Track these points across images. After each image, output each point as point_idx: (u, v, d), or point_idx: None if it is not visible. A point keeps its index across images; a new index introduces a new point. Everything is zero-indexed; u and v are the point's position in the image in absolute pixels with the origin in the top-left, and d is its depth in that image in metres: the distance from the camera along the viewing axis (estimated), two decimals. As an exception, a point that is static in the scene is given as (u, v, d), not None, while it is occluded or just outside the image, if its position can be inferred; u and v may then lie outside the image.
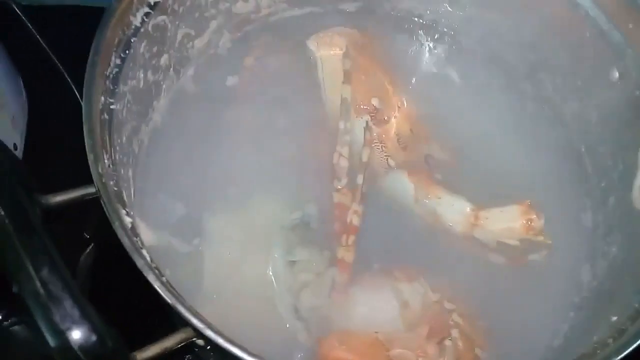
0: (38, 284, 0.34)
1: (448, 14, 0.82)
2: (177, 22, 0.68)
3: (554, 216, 0.69)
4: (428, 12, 0.83)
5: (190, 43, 0.73)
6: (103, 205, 0.45)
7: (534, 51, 0.77)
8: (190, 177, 0.68)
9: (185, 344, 0.46)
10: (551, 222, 0.68)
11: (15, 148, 0.87)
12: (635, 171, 0.64)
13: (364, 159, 0.72)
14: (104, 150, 0.49)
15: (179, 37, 0.69)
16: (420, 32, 0.84)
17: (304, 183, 0.70)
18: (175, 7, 0.66)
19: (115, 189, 0.49)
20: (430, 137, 0.75)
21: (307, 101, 0.76)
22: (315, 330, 0.62)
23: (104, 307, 0.68)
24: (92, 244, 0.79)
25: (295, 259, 0.64)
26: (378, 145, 0.74)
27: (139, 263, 0.43)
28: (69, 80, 0.86)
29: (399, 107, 0.76)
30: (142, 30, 0.60)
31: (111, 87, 0.55)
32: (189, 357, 0.67)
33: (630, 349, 0.47)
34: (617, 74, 0.67)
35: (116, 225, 0.44)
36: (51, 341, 0.34)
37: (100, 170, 0.46)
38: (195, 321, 0.41)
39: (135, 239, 0.46)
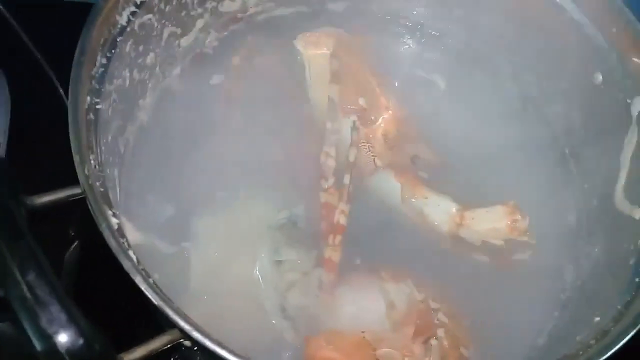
0: (24, 288, 0.34)
1: (435, 15, 0.83)
2: (163, 21, 0.67)
3: (539, 217, 0.70)
4: (415, 13, 0.84)
5: (177, 42, 0.72)
6: (90, 207, 0.45)
7: (519, 53, 0.78)
8: (176, 177, 0.68)
9: (172, 346, 0.46)
10: (536, 222, 0.69)
11: (-2, 145, 0.85)
12: (618, 173, 0.65)
13: (351, 158, 0.72)
14: (89, 151, 0.49)
15: (165, 35, 0.69)
16: (407, 33, 0.84)
17: (291, 183, 0.70)
18: (162, 5, 0.66)
19: (102, 189, 0.49)
20: (417, 138, 0.76)
21: (295, 101, 0.76)
22: (303, 330, 0.62)
23: (90, 307, 0.68)
24: (77, 242, 0.78)
25: (282, 258, 0.64)
26: (365, 145, 0.74)
27: (126, 265, 0.43)
28: (53, 78, 0.85)
29: (386, 107, 0.76)
30: (128, 29, 0.60)
31: (97, 87, 0.54)
32: (175, 357, 0.67)
33: (613, 350, 0.47)
34: (600, 78, 0.68)
35: (103, 227, 0.44)
36: (38, 345, 0.34)
37: (86, 172, 0.46)
38: (182, 323, 0.41)
39: (122, 240, 0.46)
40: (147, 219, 0.64)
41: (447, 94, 0.80)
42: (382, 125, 0.75)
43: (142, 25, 0.63)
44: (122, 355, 0.41)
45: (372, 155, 0.74)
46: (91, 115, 0.53)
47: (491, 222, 0.68)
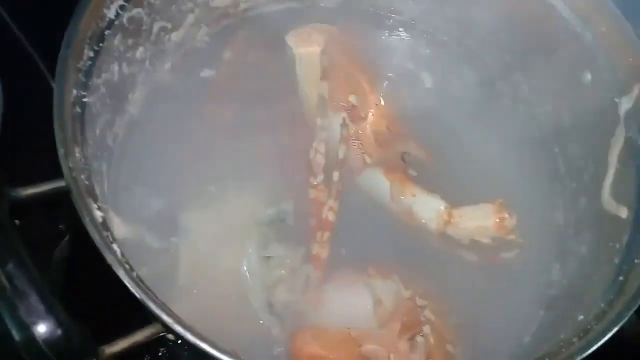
0: (3, 278, 0.34)
1: (427, 12, 0.83)
2: (152, 15, 0.67)
3: (527, 215, 0.70)
4: (407, 10, 0.84)
5: (167, 36, 0.72)
6: (73, 200, 0.45)
7: (510, 52, 0.78)
8: (165, 171, 0.68)
9: (158, 339, 0.46)
10: (524, 221, 0.69)
11: (-10, 138, 0.85)
12: (605, 172, 0.65)
13: (340, 155, 0.72)
14: (75, 144, 0.49)
15: (155, 30, 0.69)
16: (399, 29, 0.85)
17: (280, 179, 0.70)
18: (151, 0, 0.65)
19: (87, 182, 0.49)
20: (407, 135, 0.76)
21: (285, 97, 0.76)
22: (289, 326, 0.62)
23: (78, 299, 0.68)
24: (67, 236, 0.78)
25: (269, 254, 0.64)
26: (355, 142, 0.74)
27: (109, 258, 0.43)
28: (44, 71, 0.85)
29: (376, 104, 0.76)
30: (116, 23, 0.60)
31: (84, 80, 0.54)
32: (163, 351, 0.67)
33: (594, 347, 0.47)
34: (589, 77, 0.68)
35: (86, 221, 0.44)
36: (16, 335, 0.34)
37: (70, 164, 0.46)
38: (163, 316, 0.41)
39: (105, 233, 0.46)
40: (136, 213, 0.64)
41: (438, 92, 0.80)
42: (372, 122, 0.75)
43: (131, 19, 0.63)
44: (103, 347, 0.41)
45: (362, 153, 0.74)
46: (78, 108, 0.52)
47: (478, 220, 0.68)
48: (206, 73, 0.76)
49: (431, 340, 0.62)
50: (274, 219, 0.67)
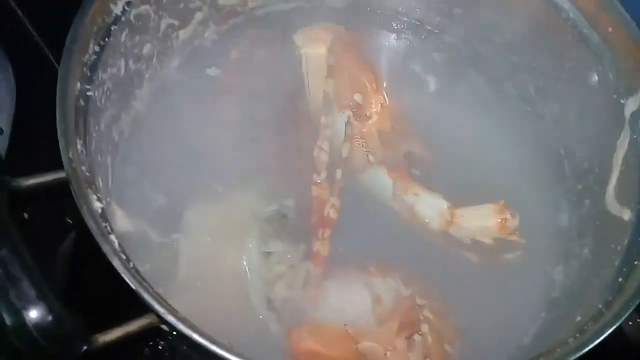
0: (-4, 263, 0.35)
1: (434, 13, 0.83)
2: (160, 12, 0.68)
3: (531, 216, 0.70)
4: (416, 11, 0.84)
5: (175, 33, 0.73)
6: (72, 190, 0.46)
7: (516, 52, 0.78)
8: (170, 167, 0.69)
9: (157, 331, 0.46)
10: (528, 222, 0.69)
11: (1, 132, 0.87)
12: (610, 174, 0.64)
13: (344, 154, 0.72)
14: (77, 136, 0.50)
15: (162, 27, 0.70)
16: (407, 30, 0.85)
17: (283, 175, 0.71)
18: (159, -3, 0.66)
19: (88, 174, 0.49)
20: (412, 135, 0.76)
21: (291, 95, 0.76)
22: (288, 322, 0.62)
23: (81, 290, 0.69)
24: (74, 229, 0.79)
25: (270, 250, 0.65)
26: (359, 141, 0.74)
27: (104, 248, 0.43)
28: (53, 61, 0.86)
29: (381, 103, 0.77)
30: (123, 18, 0.60)
31: (88, 74, 0.55)
32: (162, 343, 0.67)
33: (589, 347, 0.47)
34: (596, 78, 0.68)
35: (84, 210, 0.45)
36: (7, 319, 0.35)
37: (70, 155, 0.47)
38: (156, 306, 0.42)
39: (104, 224, 0.47)
40: (140, 207, 0.65)
41: (444, 92, 0.80)
42: (376, 121, 0.75)
43: (138, 16, 0.64)
44: (97, 335, 0.41)
45: (366, 151, 0.74)
46: (81, 102, 0.53)
47: (481, 220, 0.68)
48: (213, 71, 0.77)
49: (429, 339, 0.62)
50: (275, 215, 0.67)
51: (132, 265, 0.45)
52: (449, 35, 0.83)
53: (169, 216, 0.66)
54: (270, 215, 0.67)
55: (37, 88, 0.92)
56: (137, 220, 0.64)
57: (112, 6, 0.59)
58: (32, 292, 0.35)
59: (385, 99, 0.77)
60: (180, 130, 0.71)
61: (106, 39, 0.58)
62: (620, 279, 0.54)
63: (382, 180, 0.71)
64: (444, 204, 0.69)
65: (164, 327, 0.45)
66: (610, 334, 0.49)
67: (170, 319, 0.41)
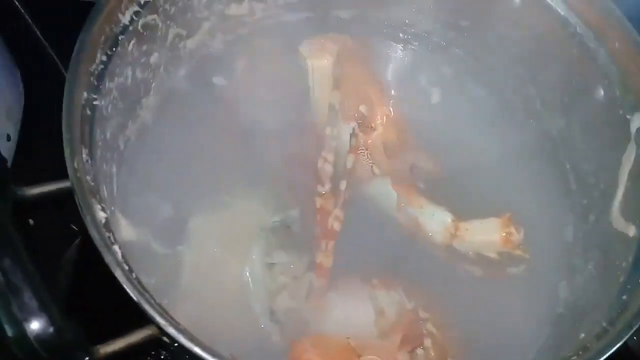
0: (-1, 273, 0.35)
1: (441, 25, 0.83)
2: (168, 22, 0.68)
3: (536, 231, 0.70)
4: (421, 23, 0.84)
5: (182, 43, 0.73)
6: (76, 199, 0.46)
7: (523, 66, 0.77)
8: (176, 177, 0.69)
9: (160, 342, 0.46)
10: (532, 236, 0.69)
11: (9, 139, 0.87)
12: (615, 190, 0.64)
13: (349, 165, 0.72)
14: (82, 145, 0.50)
15: (170, 36, 0.70)
16: (413, 41, 0.85)
17: (288, 186, 0.71)
18: (167, 7, 0.67)
19: (92, 183, 0.49)
20: (417, 147, 0.76)
21: (296, 106, 0.77)
22: (290, 333, 0.62)
23: (84, 300, 0.69)
24: (80, 236, 0.80)
25: (273, 261, 0.65)
26: (364, 153, 0.74)
27: (107, 258, 0.43)
28: (64, 73, 0.87)
29: (386, 115, 0.77)
30: (130, 28, 0.61)
31: (95, 83, 0.55)
32: (165, 354, 0.67)
33: (592, 366, 0.47)
34: (602, 93, 0.68)
35: (87, 220, 0.45)
36: (8, 330, 0.35)
37: (75, 165, 0.47)
38: (157, 318, 0.42)
39: (107, 234, 0.47)
40: (144, 216, 0.65)
41: (450, 104, 0.80)
42: (382, 133, 0.75)
43: (145, 25, 0.64)
44: (98, 346, 0.41)
45: (371, 163, 0.74)
46: (88, 111, 0.54)
47: (485, 234, 0.68)
48: (220, 80, 0.77)
49: (432, 353, 0.61)
50: (279, 226, 0.67)
51: (134, 276, 0.45)
52: (455, 47, 0.83)
53: (173, 225, 0.66)
54: (274, 225, 0.67)
55: (46, 95, 0.93)
56: (141, 230, 0.64)
57: (120, 16, 0.59)
58: (33, 303, 0.35)
59: (390, 111, 0.77)
60: (186, 139, 0.72)
61: (114, 49, 0.58)
62: (624, 297, 0.53)
63: (386, 192, 0.71)
64: (448, 217, 0.69)
65: (165, 338, 0.45)
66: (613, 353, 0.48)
67: (171, 331, 0.41)
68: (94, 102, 0.55)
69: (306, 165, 0.72)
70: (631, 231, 0.60)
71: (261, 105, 0.76)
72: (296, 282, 0.65)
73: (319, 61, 0.78)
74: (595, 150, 0.70)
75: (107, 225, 0.48)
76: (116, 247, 0.47)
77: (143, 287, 0.45)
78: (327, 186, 0.70)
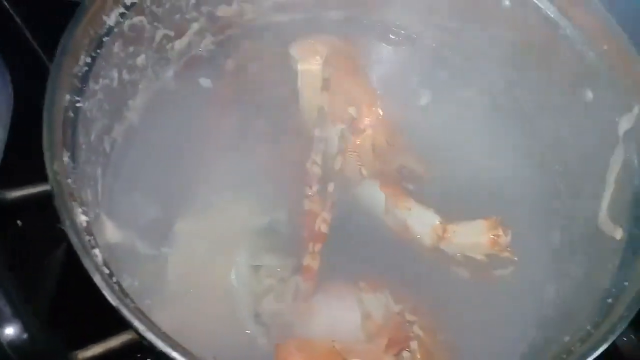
0: (-30, 280, 0.35)
1: (431, 27, 0.83)
2: (155, 23, 0.68)
3: (524, 233, 0.69)
4: (412, 25, 0.84)
5: (170, 44, 0.73)
6: (55, 203, 0.46)
7: (513, 67, 0.77)
8: (162, 179, 0.69)
9: (137, 345, 0.46)
10: (520, 238, 0.68)
11: (-3, 141, 0.87)
12: (603, 192, 0.64)
13: (337, 167, 0.72)
14: (64, 148, 0.50)
15: (157, 38, 0.70)
16: (403, 43, 0.84)
17: (276, 188, 0.70)
18: (154, 8, 0.66)
19: (74, 186, 0.49)
20: (406, 149, 0.76)
21: (285, 107, 0.76)
22: (276, 336, 0.62)
23: (72, 301, 0.69)
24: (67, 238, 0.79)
25: (259, 263, 0.64)
26: (352, 154, 0.74)
27: (86, 262, 0.43)
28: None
29: (376, 117, 0.76)
30: (116, 30, 0.60)
31: (79, 85, 0.55)
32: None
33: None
34: (590, 95, 0.67)
35: (66, 224, 0.45)
36: (-19, 337, 0.34)
37: (55, 168, 0.47)
38: (136, 323, 0.41)
39: (88, 238, 0.46)
40: (130, 218, 0.65)
41: (439, 106, 0.79)
42: (370, 135, 0.75)
43: (132, 27, 0.64)
44: (77, 352, 0.41)
45: (359, 165, 0.73)
46: (70, 113, 0.53)
47: (472, 236, 0.67)
48: (208, 82, 0.77)
49: (418, 356, 0.61)
50: (266, 228, 0.67)
51: (114, 280, 0.45)
52: (445, 49, 0.82)
53: (159, 227, 0.65)
54: (261, 228, 0.67)
55: (36, 97, 0.93)
56: (127, 232, 0.64)
57: (104, 18, 0.59)
58: (7, 310, 0.35)
59: (379, 113, 0.76)
60: (173, 140, 0.71)
61: (98, 50, 0.58)
62: (609, 300, 0.53)
63: (374, 194, 0.71)
64: (436, 219, 0.68)
65: (145, 342, 0.45)
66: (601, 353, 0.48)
67: (150, 336, 0.41)
68: (77, 105, 0.54)
69: (294, 167, 0.72)
70: (618, 234, 0.60)
71: (249, 106, 0.76)
72: (282, 284, 0.64)
73: (309, 62, 0.77)
74: (584, 153, 0.69)
75: (89, 228, 0.48)
76: (97, 251, 0.46)
77: (123, 291, 0.44)
78: (315, 188, 0.70)
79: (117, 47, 0.63)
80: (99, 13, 0.58)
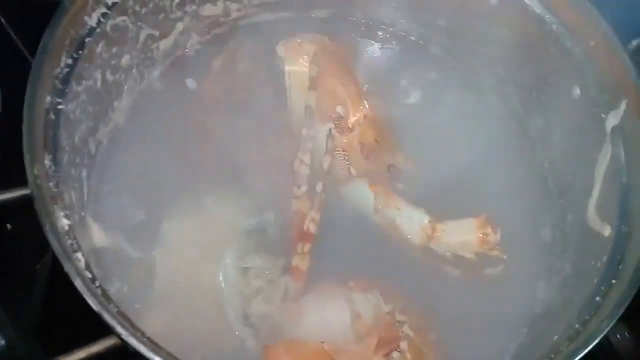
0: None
1: (419, 24, 0.82)
2: (139, 23, 0.67)
3: (514, 231, 0.69)
4: (401, 21, 0.83)
5: (155, 44, 0.72)
6: (36, 207, 0.45)
7: (501, 65, 0.77)
8: (149, 179, 0.68)
9: (122, 349, 0.45)
10: (510, 236, 0.68)
11: (-16, 143, 0.86)
12: (592, 190, 0.64)
13: (325, 166, 0.72)
14: (45, 151, 0.49)
15: (141, 38, 0.69)
16: (392, 41, 0.84)
17: (264, 189, 0.70)
18: (137, 8, 0.66)
19: (56, 190, 0.49)
20: (394, 147, 0.75)
21: (273, 106, 0.76)
22: (265, 338, 0.61)
23: (61, 306, 0.68)
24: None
25: (247, 265, 0.64)
26: (340, 154, 0.73)
27: (66, 267, 0.42)
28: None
29: (364, 115, 0.76)
30: (98, 30, 0.60)
31: (60, 87, 0.54)
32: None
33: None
34: (578, 91, 0.67)
35: (46, 229, 0.44)
36: (-43, 345, 0.34)
37: (35, 172, 0.46)
38: (118, 328, 0.41)
39: (71, 241, 0.46)
40: (117, 221, 0.64)
41: (428, 104, 0.79)
42: (359, 134, 0.74)
43: (115, 27, 0.63)
44: (59, 357, 0.41)
45: (347, 164, 0.73)
46: (52, 115, 0.53)
47: (462, 235, 0.67)
48: (195, 81, 0.76)
49: (408, 356, 0.61)
50: (255, 229, 0.67)
51: (97, 285, 0.44)
52: (433, 46, 0.82)
53: (146, 230, 0.65)
54: (249, 229, 0.66)
55: (20, 97, 0.92)
56: (113, 234, 0.63)
57: (86, 18, 0.58)
58: (-17, 317, 0.34)
59: (368, 111, 0.76)
60: (160, 141, 0.71)
61: (80, 51, 0.57)
62: (597, 298, 0.53)
63: (363, 193, 0.70)
64: (425, 218, 0.68)
65: (130, 347, 0.44)
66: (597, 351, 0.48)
67: (132, 341, 0.41)
68: (59, 107, 0.54)
69: (282, 167, 0.71)
70: (606, 231, 0.59)
71: (237, 106, 0.75)
72: (271, 286, 0.64)
73: (296, 61, 0.77)
74: (572, 150, 0.69)
75: (71, 232, 0.47)
76: (79, 255, 0.46)
77: (106, 295, 0.44)
78: (303, 188, 0.69)
79: (99, 48, 0.62)
80: (80, 13, 0.57)
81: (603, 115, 0.64)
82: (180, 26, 0.74)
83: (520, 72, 0.75)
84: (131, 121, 0.71)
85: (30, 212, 0.58)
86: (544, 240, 0.70)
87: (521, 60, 0.75)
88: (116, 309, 0.43)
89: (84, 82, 0.60)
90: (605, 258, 0.56)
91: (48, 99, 0.52)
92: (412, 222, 0.68)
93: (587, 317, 0.51)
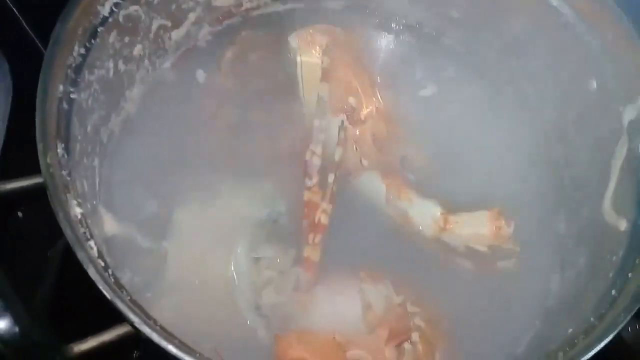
0: (-39, 274, 0.34)
1: (433, 16, 0.81)
2: (151, 13, 0.67)
3: (528, 224, 0.69)
4: (413, 14, 0.82)
5: (167, 34, 0.72)
6: (48, 195, 0.45)
7: (516, 57, 0.76)
8: (161, 169, 0.68)
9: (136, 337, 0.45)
10: (525, 229, 0.68)
11: (-4, 132, 0.86)
12: (607, 183, 0.63)
13: (337, 158, 0.71)
14: (58, 140, 0.49)
15: (154, 28, 0.69)
16: (405, 32, 0.83)
17: (275, 180, 0.70)
18: (149, -2, 0.65)
19: (68, 178, 0.49)
20: (407, 139, 0.75)
21: (285, 98, 0.75)
22: (276, 328, 0.61)
23: (73, 294, 0.69)
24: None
25: (258, 255, 0.64)
26: (353, 145, 0.73)
27: (79, 255, 0.42)
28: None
29: (376, 107, 0.75)
30: (110, 20, 0.60)
31: (73, 76, 0.54)
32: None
33: (581, 360, 0.46)
34: (594, 84, 0.66)
35: (60, 217, 0.44)
36: (-28, 331, 0.34)
37: (48, 160, 0.46)
38: (131, 316, 0.41)
39: (83, 230, 0.46)
40: (129, 210, 0.65)
41: (441, 96, 0.78)
42: (371, 125, 0.74)
43: (127, 17, 0.63)
44: (72, 345, 0.41)
45: (360, 155, 0.73)
46: (65, 104, 0.53)
47: (474, 227, 0.67)
48: (207, 72, 0.76)
49: (419, 347, 0.60)
50: (266, 220, 0.67)
51: (110, 273, 0.44)
52: (447, 38, 0.81)
53: (158, 219, 0.65)
54: (261, 219, 0.66)
55: (34, 87, 0.92)
56: (125, 224, 0.63)
57: (99, 7, 0.58)
58: (-2, 303, 0.34)
59: (380, 103, 0.76)
60: (172, 131, 0.71)
61: (92, 41, 0.57)
62: (613, 292, 0.52)
63: (375, 185, 0.70)
64: (437, 211, 0.68)
65: (142, 335, 0.44)
66: (608, 343, 0.47)
67: (145, 329, 0.41)
68: (72, 96, 0.54)
69: (294, 158, 0.71)
70: (622, 225, 0.59)
71: (248, 97, 0.75)
72: (282, 276, 0.64)
73: (308, 52, 0.77)
74: (588, 143, 0.68)
75: (84, 220, 0.47)
76: (92, 243, 0.46)
77: (119, 283, 0.44)
78: (315, 179, 0.69)
79: (112, 38, 0.62)
80: (93, 3, 0.57)
81: (620, 109, 0.63)
82: (192, 17, 0.74)
83: (534, 65, 0.74)
84: (143, 111, 0.71)
85: (41, 200, 0.59)
86: (558, 234, 0.69)
87: (536, 52, 0.74)
88: (129, 297, 0.43)
89: (96, 71, 0.60)
90: (621, 252, 0.56)
91: (61, 88, 0.52)
92: (424, 214, 0.68)
93: (603, 311, 0.51)
